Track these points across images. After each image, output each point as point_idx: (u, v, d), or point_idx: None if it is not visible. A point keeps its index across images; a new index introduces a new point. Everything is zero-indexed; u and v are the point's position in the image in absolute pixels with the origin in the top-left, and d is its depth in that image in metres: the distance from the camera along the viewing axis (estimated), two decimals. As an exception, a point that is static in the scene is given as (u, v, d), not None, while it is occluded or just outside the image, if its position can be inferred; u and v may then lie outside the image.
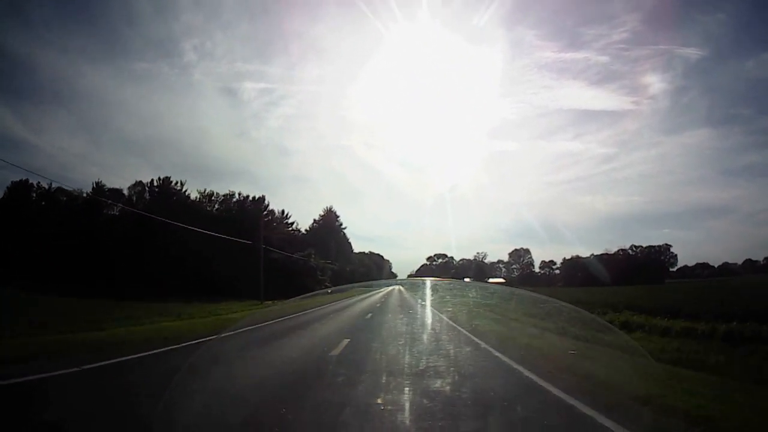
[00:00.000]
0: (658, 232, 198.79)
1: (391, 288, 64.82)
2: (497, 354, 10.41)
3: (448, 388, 6.89)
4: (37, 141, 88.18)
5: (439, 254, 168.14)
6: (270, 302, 34.47)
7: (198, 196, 51.25)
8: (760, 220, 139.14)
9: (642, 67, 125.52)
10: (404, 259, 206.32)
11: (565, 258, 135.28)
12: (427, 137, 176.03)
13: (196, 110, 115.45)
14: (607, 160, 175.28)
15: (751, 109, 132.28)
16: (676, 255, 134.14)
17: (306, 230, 76.37)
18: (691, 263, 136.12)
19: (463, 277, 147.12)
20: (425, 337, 13.73)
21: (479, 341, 12.48)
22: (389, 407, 5.90)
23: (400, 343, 12.53)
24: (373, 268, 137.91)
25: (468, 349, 11.47)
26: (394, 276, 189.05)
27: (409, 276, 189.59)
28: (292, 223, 74.10)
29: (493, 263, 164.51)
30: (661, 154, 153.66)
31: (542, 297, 24.10)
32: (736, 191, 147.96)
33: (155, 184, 50.15)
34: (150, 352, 10.74)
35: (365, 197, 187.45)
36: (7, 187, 50.98)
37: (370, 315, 22.57)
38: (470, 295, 23.97)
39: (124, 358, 9.89)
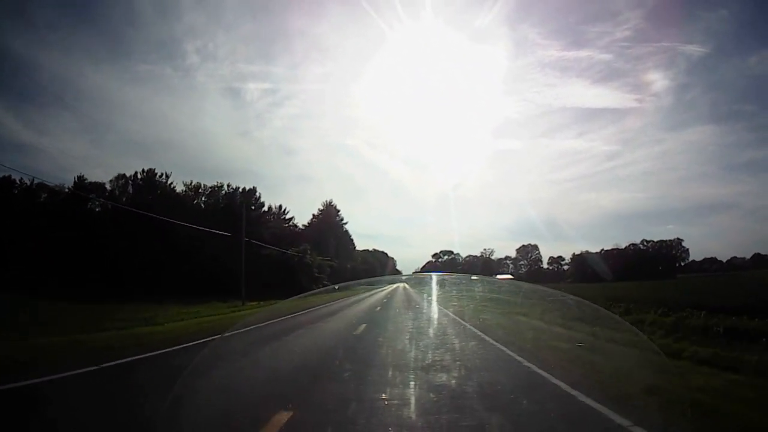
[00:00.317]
0: (662, 228, 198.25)
1: (395, 286, 62.03)
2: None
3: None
4: (39, 143, 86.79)
5: (445, 251, 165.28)
6: (255, 303, 31.29)
7: (184, 189, 48.32)
8: (763, 215, 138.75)
9: (645, 65, 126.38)
10: (409, 256, 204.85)
11: (574, 254, 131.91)
12: (431, 135, 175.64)
13: (199, 112, 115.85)
14: (610, 158, 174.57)
15: (755, 105, 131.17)
16: (687, 249, 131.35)
17: (304, 226, 73.11)
18: (697, 258, 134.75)
19: (471, 275, 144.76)
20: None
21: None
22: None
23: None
24: (377, 266, 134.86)
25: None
26: (399, 273, 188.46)
27: (414, 272, 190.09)
28: (290, 219, 71.04)
29: (500, 260, 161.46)
30: (665, 150, 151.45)
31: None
32: (739, 187, 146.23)
33: (139, 176, 47.37)
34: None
35: (369, 195, 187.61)
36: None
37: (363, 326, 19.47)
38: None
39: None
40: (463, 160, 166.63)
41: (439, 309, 19.78)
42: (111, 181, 49.03)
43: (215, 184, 49.52)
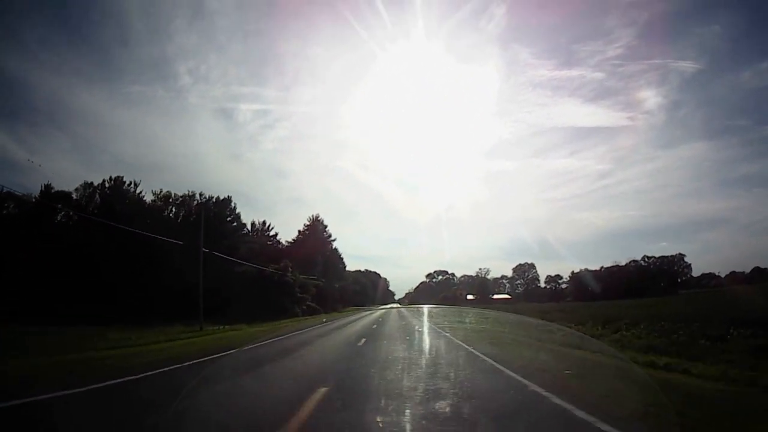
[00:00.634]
0: (656, 245, 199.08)
1: (385, 311, 57.82)
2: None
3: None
4: (31, 163, 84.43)
5: (439, 271, 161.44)
6: (216, 329, 26.65)
7: (153, 198, 44.05)
8: (759, 229, 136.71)
9: (637, 83, 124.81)
10: (402, 276, 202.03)
11: (573, 272, 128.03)
12: (423, 157, 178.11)
13: (191, 133, 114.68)
14: (603, 176, 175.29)
15: (748, 120, 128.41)
16: (690, 265, 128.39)
17: (288, 243, 68.40)
18: (694, 274, 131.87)
19: (466, 295, 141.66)
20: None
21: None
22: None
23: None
24: (369, 287, 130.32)
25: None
26: (392, 294, 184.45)
27: (406, 294, 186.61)
28: (274, 236, 66.82)
29: (496, 279, 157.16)
30: (658, 168, 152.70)
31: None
32: (734, 202, 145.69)
33: (107, 185, 43.37)
34: None
35: (362, 217, 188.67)
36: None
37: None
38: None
39: None
40: (456, 180, 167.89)
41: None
42: (76, 189, 45.21)
43: (186, 192, 45.59)
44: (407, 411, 6.46)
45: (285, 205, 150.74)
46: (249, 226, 65.29)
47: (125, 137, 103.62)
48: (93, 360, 12.55)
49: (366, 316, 43.59)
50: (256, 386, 8.79)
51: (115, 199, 43.97)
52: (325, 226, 78.89)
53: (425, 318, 38.68)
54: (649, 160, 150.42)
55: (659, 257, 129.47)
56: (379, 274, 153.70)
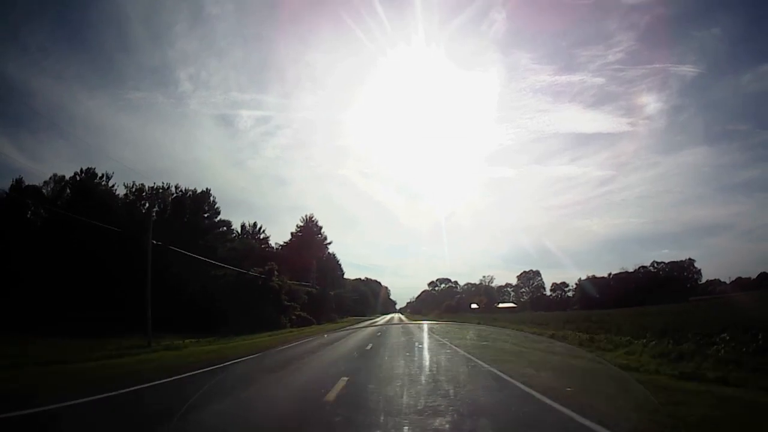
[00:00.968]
0: (658, 252, 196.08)
1: (384, 323, 51.69)
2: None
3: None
4: (32, 169, 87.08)
5: (442, 279, 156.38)
6: (183, 342, 21.99)
7: (126, 192, 39.58)
8: (759, 236, 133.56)
9: (637, 88, 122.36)
10: (404, 285, 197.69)
11: (580, 279, 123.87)
12: (424, 164, 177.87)
13: (192, 140, 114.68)
14: (604, 183, 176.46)
15: (749, 124, 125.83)
16: (699, 270, 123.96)
17: (277, 246, 63.37)
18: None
19: (470, 304, 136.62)
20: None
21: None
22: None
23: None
24: (369, 295, 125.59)
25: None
26: (393, 304, 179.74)
27: (408, 303, 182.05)
28: (265, 239, 62.10)
29: (500, 287, 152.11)
30: (659, 174, 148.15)
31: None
32: (735, 207, 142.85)
33: (78, 178, 39.18)
34: None
35: (363, 226, 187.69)
36: None
37: None
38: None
39: None
40: (457, 188, 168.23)
41: None
42: (45, 182, 41.19)
43: (159, 185, 40.97)
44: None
45: (286, 213, 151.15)
46: (239, 228, 61.00)
47: (126, 143, 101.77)
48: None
49: (361, 329, 38.21)
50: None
51: (85, 193, 39.73)
52: (320, 228, 73.51)
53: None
54: (650, 166, 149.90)
55: (668, 263, 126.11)
56: (379, 283, 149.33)
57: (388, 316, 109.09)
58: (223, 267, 35.47)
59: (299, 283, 51.26)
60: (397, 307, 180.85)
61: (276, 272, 41.34)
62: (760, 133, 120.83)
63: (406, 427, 6.08)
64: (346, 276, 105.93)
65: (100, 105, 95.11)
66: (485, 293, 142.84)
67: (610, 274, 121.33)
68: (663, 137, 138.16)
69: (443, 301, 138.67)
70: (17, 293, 31.11)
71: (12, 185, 41.68)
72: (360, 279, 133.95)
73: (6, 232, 36.75)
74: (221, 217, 46.38)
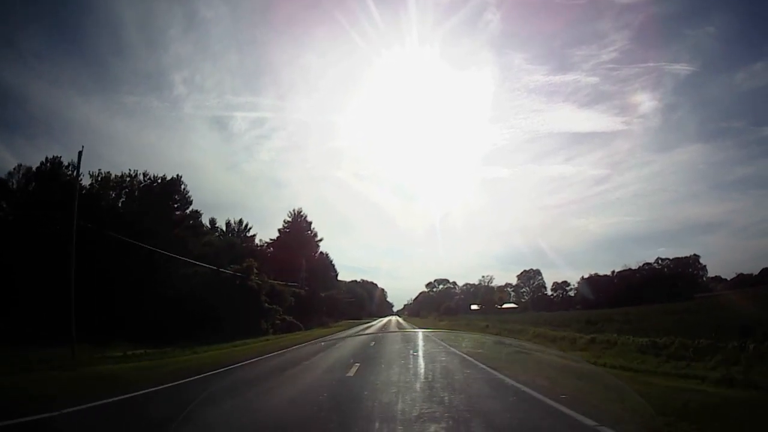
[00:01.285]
0: (653, 251, 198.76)
1: (380, 328, 46.30)
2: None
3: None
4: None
5: (440, 279, 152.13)
6: (125, 354, 17.64)
7: (91, 182, 35.08)
8: (754, 233, 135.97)
9: (632, 86, 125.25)
10: (401, 286, 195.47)
11: (582, 277, 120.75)
12: (419, 165, 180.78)
13: (186, 143, 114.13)
14: (599, 182, 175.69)
15: (743, 121, 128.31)
16: (705, 267, 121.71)
17: (261, 243, 58.73)
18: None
19: (470, 305, 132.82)
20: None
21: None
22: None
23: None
24: (365, 297, 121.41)
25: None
26: (390, 306, 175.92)
27: (405, 305, 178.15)
28: (251, 237, 57.74)
29: (500, 287, 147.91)
30: (654, 172, 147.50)
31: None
32: (730, 204, 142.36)
33: (44, 168, 35.04)
34: None
35: (358, 228, 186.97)
36: None
37: None
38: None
39: None
40: (452, 189, 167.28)
41: None
42: (9, 172, 37.11)
43: (126, 172, 36.38)
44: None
45: (281, 216, 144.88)
46: (224, 226, 56.85)
47: (121, 148, 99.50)
48: None
49: (353, 336, 33.11)
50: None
51: (51, 184, 35.66)
52: (310, 224, 68.52)
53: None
54: (645, 165, 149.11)
55: (673, 259, 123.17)
56: (375, 284, 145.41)
57: (385, 320, 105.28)
58: (195, 264, 31.16)
59: (284, 283, 46.64)
60: (394, 309, 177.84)
61: (256, 270, 36.87)
62: (755, 131, 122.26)
63: None
64: (341, 278, 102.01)
65: (95, 109, 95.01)
66: (485, 294, 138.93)
67: (613, 272, 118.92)
68: (657, 135, 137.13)
69: (442, 303, 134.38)
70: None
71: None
72: (355, 281, 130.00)
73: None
74: (194, 208, 41.60)
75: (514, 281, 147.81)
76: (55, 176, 37.03)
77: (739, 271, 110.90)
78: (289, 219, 65.82)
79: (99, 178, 35.78)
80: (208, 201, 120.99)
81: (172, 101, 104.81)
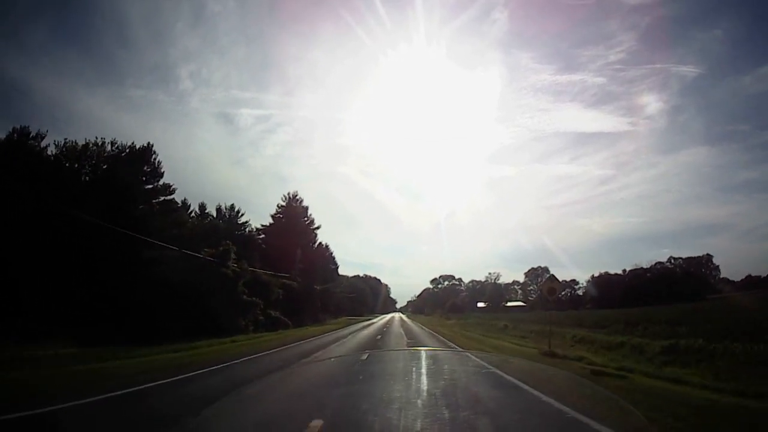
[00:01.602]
0: (657, 252, 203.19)
1: (382, 326, 41.72)
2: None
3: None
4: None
5: (445, 276, 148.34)
6: (45, 354, 14.24)
7: (56, 152, 31.31)
8: (759, 236, 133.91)
9: (638, 88, 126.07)
10: (405, 283, 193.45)
11: (593, 275, 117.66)
12: (425, 164, 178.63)
13: (192, 138, 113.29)
14: (604, 182, 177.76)
15: (749, 125, 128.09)
16: (718, 266, 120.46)
17: (253, 229, 54.70)
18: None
19: (476, 302, 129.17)
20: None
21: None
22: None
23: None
24: (368, 293, 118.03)
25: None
26: (393, 302, 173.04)
27: (409, 302, 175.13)
28: (243, 224, 54.05)
29: (507, 284, 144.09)
30: (659, 174, 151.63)
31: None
32: (734, 208, 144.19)
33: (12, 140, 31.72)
34: None
35: (363, 224, 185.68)
36: None
37: None
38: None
39: None
40: (457, 187, 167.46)
41: None
42: None
43: (91, 140, 32.31)
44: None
45: None
46: (214, 212, 53.35)
47: (126, 141, 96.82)
48: None
49: (348, 337, 28.42)
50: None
51: (13, 156, 32.23)
52: (306, 209, 62.85)
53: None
54: (651, 166, 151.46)
55: (686, 258, 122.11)
56: (379, 280, 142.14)
57: (388, 317, 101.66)
58: (163, 247, 27.60)
59: (270, 273, 42.81)
60: (398, 306, 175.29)
61: (234, 255, 33.14)
62: (761, 135, 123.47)
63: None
64: (344, 274, 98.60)
65: (101, 102, 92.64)
66: (492, 291, 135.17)
67: (625, 271, 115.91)
68: (663, 137, 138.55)
69: (446, 300, 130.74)
70: None
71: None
72: (358, 276, 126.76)
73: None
74: (165, 181, 36.23)
75: (519, 280, 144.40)
76: (17, 148, 33.50)
77: (746, 273, 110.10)
78: (284, 204, 60.61)
79: (64, 150, 32.30)
80: (212, 195, 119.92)
81: (178, 95, 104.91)
